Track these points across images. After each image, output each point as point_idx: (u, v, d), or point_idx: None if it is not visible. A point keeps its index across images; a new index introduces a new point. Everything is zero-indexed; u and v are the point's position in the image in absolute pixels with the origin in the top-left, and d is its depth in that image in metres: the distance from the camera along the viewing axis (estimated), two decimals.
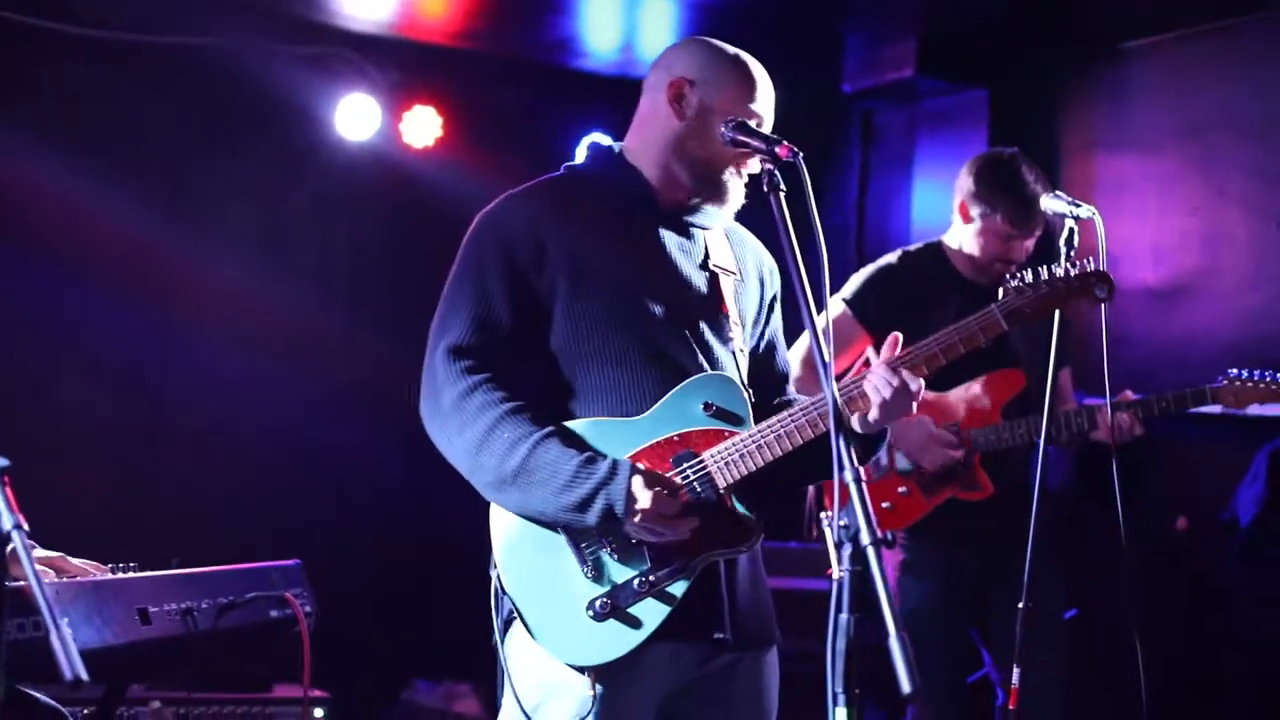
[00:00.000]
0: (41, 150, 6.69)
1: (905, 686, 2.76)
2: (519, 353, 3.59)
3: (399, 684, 7.80)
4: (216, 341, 7.27)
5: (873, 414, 3.51)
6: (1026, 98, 7.64)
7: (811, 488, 5.59)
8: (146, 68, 7.01)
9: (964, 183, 5.45)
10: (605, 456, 3.45)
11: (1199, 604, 6.64)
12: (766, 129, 3.63)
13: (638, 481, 3.39)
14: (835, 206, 8.26)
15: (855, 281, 5.55)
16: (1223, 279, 6.81)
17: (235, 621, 3.98)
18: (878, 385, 3.49)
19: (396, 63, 7.57)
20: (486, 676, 7.88)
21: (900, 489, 5.34)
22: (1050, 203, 4.86)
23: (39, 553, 3.68)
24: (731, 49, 3.70)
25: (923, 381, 3.55)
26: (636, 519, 3.38)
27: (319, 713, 5.78)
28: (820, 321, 3.16)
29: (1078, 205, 4.70)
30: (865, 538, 2.89)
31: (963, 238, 5.48)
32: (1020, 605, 4.58)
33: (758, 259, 3.87)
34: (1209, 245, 6.91)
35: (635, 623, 3.45)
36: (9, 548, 2.72)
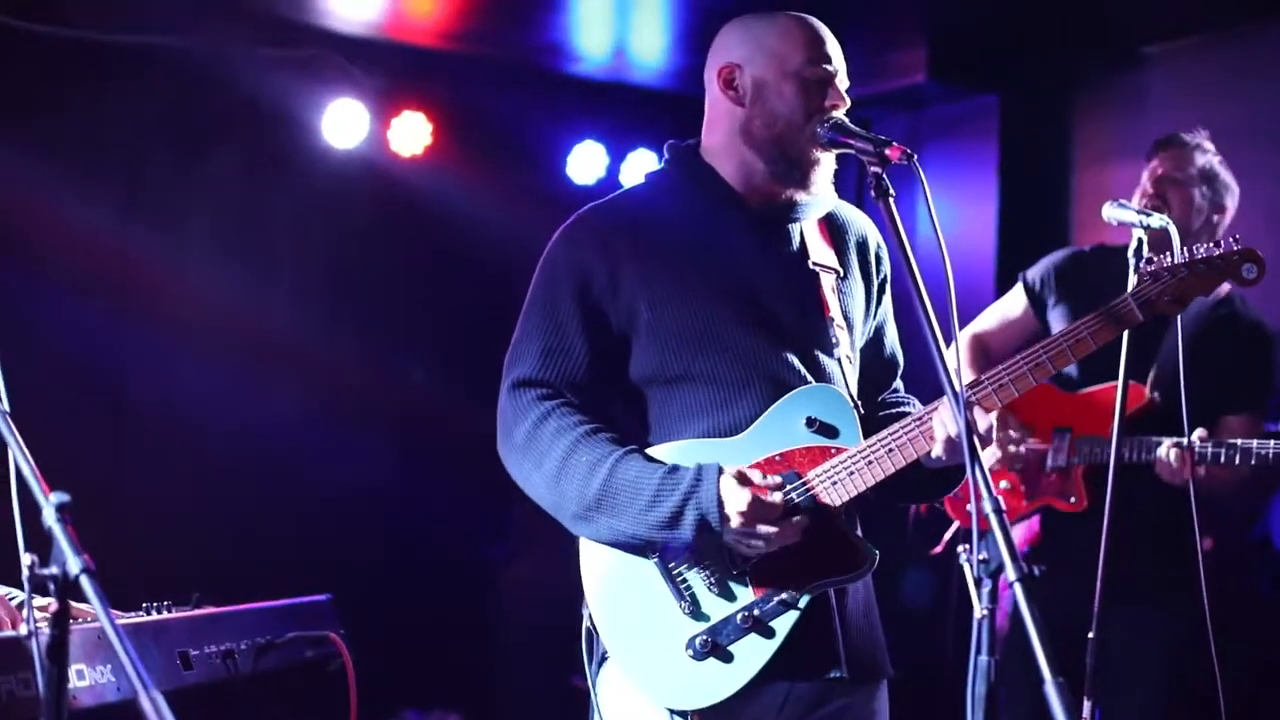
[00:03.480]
0: (11, 151, 6.33)
1: None
2: (599, 384, 3.33)
3: (387, 713, 7.50)
4: (192, 352, 6.96)
5: (936, 450, 3.22)
6: (1039, 104, 7.43)
7: None
8: (126, 69, 6.69)
9: None
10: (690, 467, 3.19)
11: (1228, 625, 6.42)
12: (841, 80, 3.36)
13: (728, 483, 3.13)
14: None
15: (1040, 264, 5.31)
16: (1248, 291, 6.59)
17: (273, 663, 3.77)
18: (945, 422, 3.20)
19: (385, 66, 7.28)
20: (476, 705, 7.69)
21: (1002, 483, 5.06)
22: (1116, 212, 4.60)
23: (39, 600, 3.40)
24: (773, 14, 3.43)
25: (993, 417, 3.29)
26: (734, 524, 3.11)
27: None
28: (948, 350, 2.90)
29: (1148, 214, 4.43)
30: (1011, 573, 2.66)
31: None
32: (1090, 635, 4.36)
33: (861, 242, 3.57)
34: None
35: (739, 661, 3.19)
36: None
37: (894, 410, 3.51)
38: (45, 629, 2.48)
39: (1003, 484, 5.05)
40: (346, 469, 7.36)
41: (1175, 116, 6.99)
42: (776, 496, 3.16)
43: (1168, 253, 3.54)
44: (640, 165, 7.74)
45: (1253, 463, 4.78)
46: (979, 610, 2.74)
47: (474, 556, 7.64)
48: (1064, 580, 4.79)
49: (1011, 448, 5.02)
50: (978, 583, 2.76)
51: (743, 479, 3.14)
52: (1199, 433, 4.69)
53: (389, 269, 7.62)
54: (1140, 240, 4.31)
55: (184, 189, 7.06)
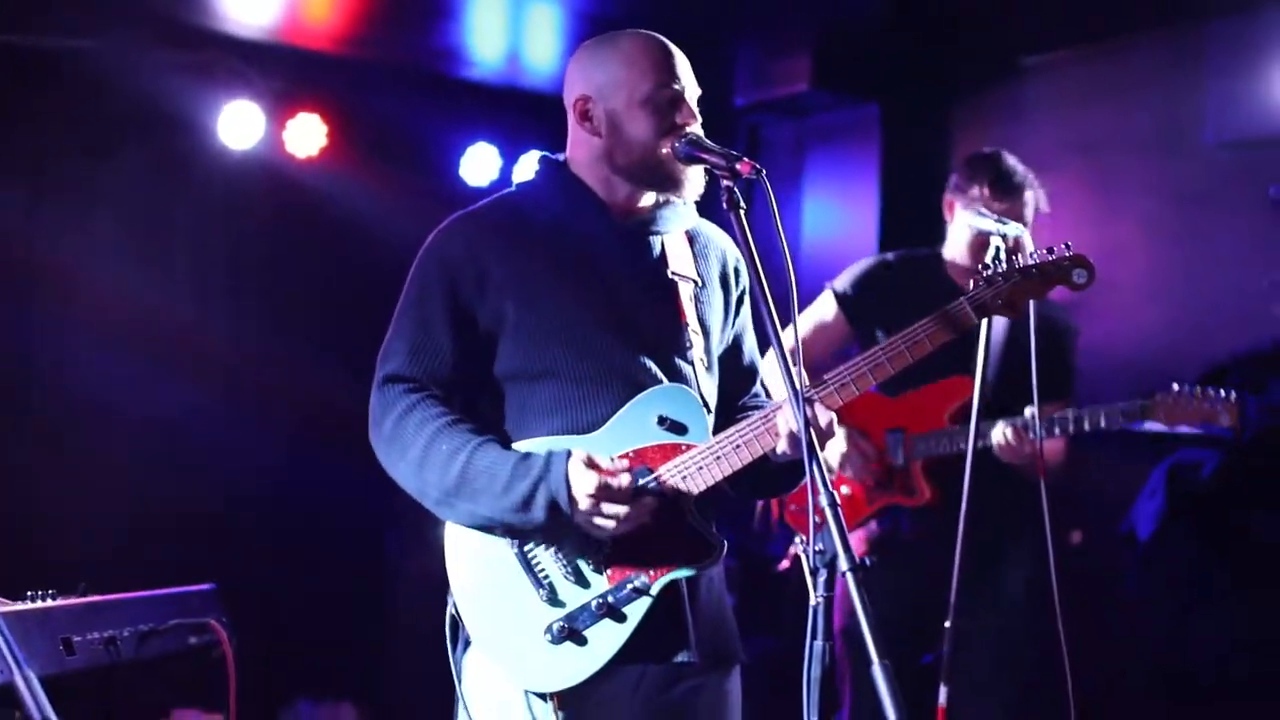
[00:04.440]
0: None
1: (891, 717, 2.73)
2: (465, 379, 3.50)
3: (280, 704, 7.60)
4: (92, 347, 6.98)
5: (781, 446, 3.40)
6: (919, 114, 7.63)
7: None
8: (19, 70, 6.73)
9: (949, 183, 5.42)
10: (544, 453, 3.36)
11: (1096, 616, 6.65)
12: (691, 95, 3.52)
13: (575, 467, 3.29)
14: (719, 222, 8.22)
15: (847, 273, 5.48)
16: (1119, 295, 6.82)
17: (156, 650, 3.91)
18: (788, 418, 3.36)
19: (280, 69, 7.36)
20: (368, 696, 7.80)
21: (843, 489, 5.26)
22: (975, 220, 4.82)
23: None
24: (614, 38, 3.57)
25: (834, 415, 3.46)
26: (582, 505, 3.28)
27: None
28: (789, 345, 3.09)
29: (1004, 223, 4.65)
30: (844, 563, 2.87)
31: (953, 243, 5.40)
32: (947, 624, 4.55)
33: (721, 258, 3.74)
34: (1104, 262, 6.83)
35: (594, 646, 3.36)
36: None
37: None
38: None
39: (843, 489, 5.26)
40: (244, 463, 7.42)
41: (1052, 126, 7.25)
42: (624, 479, 3.32)
43: (1000, 261, 3.72)
44: (533, 167, 7.85)
45: (1086, 429, 5.00)
46: (814, 598, 2.93)
47: (367, 548, 7.73)
48: (923, 573, 5.00)
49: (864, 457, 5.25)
50: (814, 573, 2.95)
51: (590, 463, 3.30)
52: (1030, 410, 4.87)
53: (285, 267, 7.67)
54: (998, 248, 4.52)
55: (84, 188, 7.07)
